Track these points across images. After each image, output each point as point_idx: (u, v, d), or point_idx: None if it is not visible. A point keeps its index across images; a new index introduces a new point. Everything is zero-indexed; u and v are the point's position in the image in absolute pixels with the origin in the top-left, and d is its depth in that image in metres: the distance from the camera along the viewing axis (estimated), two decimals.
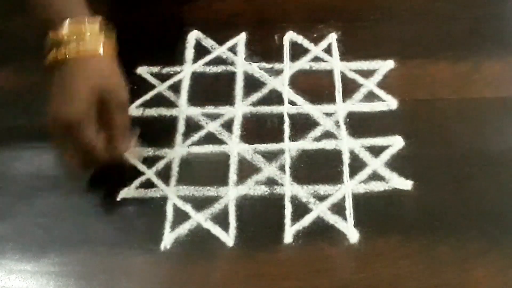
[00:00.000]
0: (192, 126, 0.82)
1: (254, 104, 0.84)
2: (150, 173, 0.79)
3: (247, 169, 0.78)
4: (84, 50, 0.73)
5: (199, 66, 0.88)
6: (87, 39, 0.73)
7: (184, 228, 0.74)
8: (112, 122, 0.74)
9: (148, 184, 0.78)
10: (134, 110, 0.84)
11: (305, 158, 0.79)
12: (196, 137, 0.81)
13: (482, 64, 0.86)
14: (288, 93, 0.85)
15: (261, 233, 0.74)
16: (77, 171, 0.77)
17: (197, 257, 0.73)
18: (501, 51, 0.87)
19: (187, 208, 0.76)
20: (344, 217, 0.74)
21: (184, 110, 0.84)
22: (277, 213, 0.75)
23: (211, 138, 0.81)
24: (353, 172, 0.77)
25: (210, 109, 0.84)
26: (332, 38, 0.90)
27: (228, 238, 0.74)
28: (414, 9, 0.92)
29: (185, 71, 0.88)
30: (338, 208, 0.75)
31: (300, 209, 0.75)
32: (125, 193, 0.78)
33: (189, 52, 0.89)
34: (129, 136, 0.77)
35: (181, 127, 0.83)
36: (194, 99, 0.85)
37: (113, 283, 0.72)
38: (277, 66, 0.87)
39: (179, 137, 0.82)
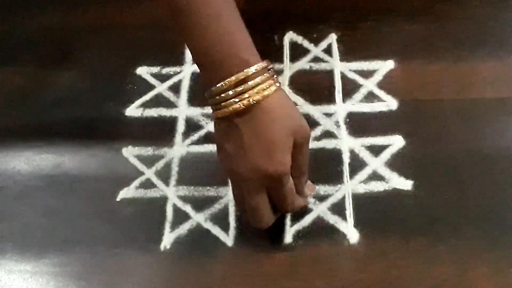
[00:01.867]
0: (192, 126, 0.82)
1: None
2: (149, 173, 0.79)
3: None
4: (267, 94, 0.65)
5: None
6: (261, 84, 0.66)
7: (184, 228, 0.74)
8: (299, 161, 0.69)
9: (148, 184, 0.78)
10: (134, 110, 0.84)
11: None
12: (195, 136, 0.82)
13: (482, 64, 0.86)
14: (288, 94, 0.84)
15: (261, 233, 0.73)
16: (259, 226, 0.71)
17: (197, 257, 0.73)
18: (501, 51, 0.87)
19: (187, 208, 0.76)
20: (344, 217, 0.74)
21: (184, 110, 0.84)
22: None
23: (211, 138, 0.81)
24: (353, 172, 0.77)
25: (210, 110, 0.83)
26: (332, 38, 0.90)
27: (228, 238, 0.74)
28: (414, 9, 0.92)
29: (185, 71, 0.88)
30: (338, 208, 0.75)
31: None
32: (124, 193, 0.78)
33: (189, 53, 0.89)
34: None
35: (180, 127, 0.83)
36: (194, 99, 0.85)
37: (113, 283, 0.72)
38: (277, 66, 0.87)
39: (178, 137, 0.82)
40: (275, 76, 0.67)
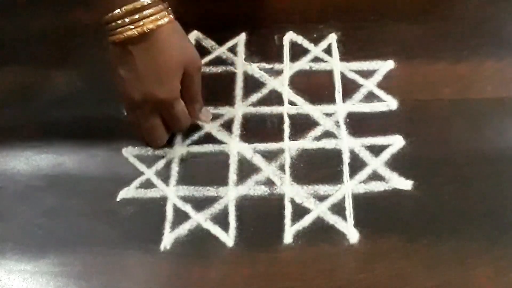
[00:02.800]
0: (192, 126, 0.82)
1: (254, 104, 0.84)
2: (149, 173, 0.79)
3: (247, 169, 0.79)
4: (160, 24, 0.72)
5: None
6: (155, 14, 0.72)
7: (184, 228, 0.74)
8: (191, 90, 0.77)
9: (148, 184, 0.78)
10: None
11: (305, 158, 0.79)
12: (195, 136, 0.81)
13: (482, 64, 0.86)
14: (288, 94, 0.85)
15: (261, 233, 0.73)
16: (154, 146, 0.80)
17: (197, 257, 0.73)
18: (501, 51, 0.87)
19: (187, 208, 0.76)
20: (344, 217, 0.74)
21: None
22: (277, 213, 0.75)
23: (210, 138, 0.81)
24: (353, 172, 0.77)
25: (210, 110, 0.84)
26: (332, 38, 0.90)
27: (228, 238, 0.74)
28: (414, 9, 0.92)
29: None
30: (338, 208, 0.75)
31: (300, 209, 0.75)
32: (124, 193, 0.78)
33: None
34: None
35: None
36: None
37: (113, 283, 0.72)
38: (277, 66, 0.87)
39: (178, 137, 0.82)
40: (169, 9, 0.74)
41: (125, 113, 0.82)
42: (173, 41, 0.74)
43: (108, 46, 0.75)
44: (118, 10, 0.71)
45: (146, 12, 0.71)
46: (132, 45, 0.72)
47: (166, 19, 0.72)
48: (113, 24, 0.71)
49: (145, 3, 0.71)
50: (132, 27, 0.71)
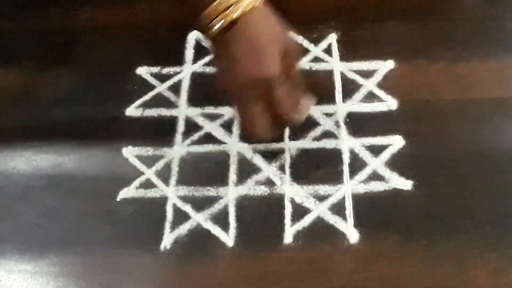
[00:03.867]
0: (192, 126, 0.82)
1: None
2: (149, 173, 0.79)
3: (247, 169, 0.78)
4: (253, 7, 0.70)
5: (199, 67, 0.88)
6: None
7: (184, 228, 0.74)
8: (291, 74, 0.73)
9: (148, 184, 0.78)
10: (134, 110, 0.84)
11: (305, 158, 0.79)
12: (195, 136, 0.81)
13: (482, 64, 0.86)
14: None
15: (261, 233, 0.73)
16: (260, 134, 0.75)
17: (197, 257, 0.73)
18: (501, 51, 0.87)
19: (187, 208, 0.76)
20: (344, 217, 0.74)
21: (184, 110, 0.84)
22: (277, 213, 0.75)
23: (210, 138, 0.81)
24: (353, 172, 0.77)
25: (210, 110, 0.84)
26: (332, 38, 0.89)
27: (228, 238, 0.74)
28: (414, 9, 0.92)
29: (185, 72, 0.88)
30: (338, 208, 0.75)
31: (300, 209, 0.75)
32: (124, 193, 0.78)
33: (189, 53, 0.89)
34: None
35: (180, 127, 0.83)
36: (194, 100, 0.85)
37: (113, 283, 0.72)
38: None
39: (178, 137, 0.82)
40: None
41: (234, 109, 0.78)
42: (267, 21, 0.72)
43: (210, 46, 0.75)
44: (216, 2, 0.70)
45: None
46: (228, 32, 0.70)
47: (258, 1, 0.71)
48: (207, 19, 0.71)
49: None
50: (224, 15, 0.69)
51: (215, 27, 0.70)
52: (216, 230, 0.74)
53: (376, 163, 0.78)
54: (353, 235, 0.73)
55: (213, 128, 0.82)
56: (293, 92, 0.74)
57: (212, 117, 0.83)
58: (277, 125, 0.75)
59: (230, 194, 0.76)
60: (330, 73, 0.86)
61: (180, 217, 0.75)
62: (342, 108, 0.83)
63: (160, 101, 0.85)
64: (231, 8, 0.69)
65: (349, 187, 0.76)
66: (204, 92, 0.83)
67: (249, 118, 0.73)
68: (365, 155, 0.78)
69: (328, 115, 0.82)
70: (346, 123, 0.81)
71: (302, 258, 0.72)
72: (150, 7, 0.95)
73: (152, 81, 0.87)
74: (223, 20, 0.70)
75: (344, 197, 0.75)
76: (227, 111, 0.83)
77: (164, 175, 0.79)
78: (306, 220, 0.74)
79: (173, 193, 0.77)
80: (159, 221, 0.75)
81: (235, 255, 0.73)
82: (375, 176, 0.77)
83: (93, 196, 0.78)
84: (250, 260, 0.72)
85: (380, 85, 0.84)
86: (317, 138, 0.80)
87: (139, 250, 0.73)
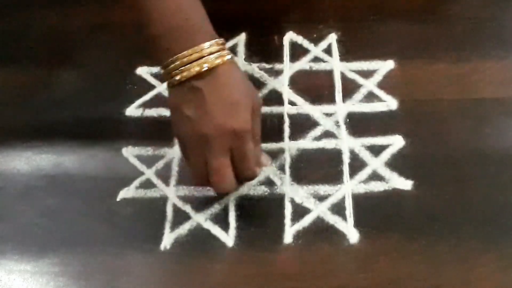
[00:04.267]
0: None
1: None
2: (149, 173, 0.79)
3: None
4: (226, 59, 0.70)
5: None
6: (219, 51, 0.71)
7: (184, 228, 0.74)
8: (256, 132, 0.73)
9: (148, 184, 0.78)
10: (134, 110, 0.84)
11: (305, 158, 0.79)
12: None
13: (482, 64, 0.86)
14: (288, 94, 0.85)
15: (261, 233, 0.73)
16: (221, 188, 0.73)
17: (197, 257, 0.73)
18: (501, 51, 0.87)
19: (187, 208, 0.76)
20: (344, 217, 0.74)
21: None
22: (277, 213, 0.75)
23: None
24: (353, 172, 0.77)
25: None
26: (332, 38, 0.89)
27: (228, 238, 0.73)
28: (414, 9, 0.92)
29: None
30: (338, 208, 0.75)
31: (300, 209, 0.75)
32: (124, 193, 0.78)
33: None
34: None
35: None
36: None
37: (113, 283, 0.72)
38: (277, 66, 0.87)
39: None
40: (226, 45, 0.73)
41: (185, 160, 0.76)
42: (239, 76, 0.73)
43: (168, 92, 0.73)
44: (188, 51, 0.69)
45: (209, 50, 0.70)
46: (200, 80, 0.69)
47: (229, 56, 0.71)
48: (177, 63, 0.70)
49: (206, 46, 0.70)
50: (199, 63, 0.69)
51: (192, 69, 0.69)
52: (216, 230, 0.74)
53: (376, 163, 0.78)
54: (353, 235, 0.72)
55: None
56: (257, 147, 0.75)
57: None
58: (238, 180, 0.74)
59: (230, 194, 0.76)
60: (330, 73, 0.86)
61: (180, 217, 0.75)
62: (342, 108, 0.83)
63: (160, 101, 0.85)
64: (211, 54, 0.70)
65: (349, 187, 0.76)
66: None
67: (214, 170, 0.71)
68: (365, 155, 0.78)
69: (328, 115, 0.82)
70: (346, 123, 0.81)
71: (302, 258, 0.72)
72: None
73: (152, 81, 0.87)
74: (203, 64, 0.69)
75: (344, 197, 0.75)
76: None
77: (164, 175, 0.79)
78: (306, 220, 0.74)
79: (173, 193, 0.77)
80: (159, 221, 0.75)
81: (235, 255, 0.72)
82: (375, 176, 0.77)
83: (93, 196, 0.78)
84: (250, 260, 0.72)
85: (380, 85, 0.84)
86: (317, 138, 0.80)
87: (139, 250, 0.73)
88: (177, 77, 0.70)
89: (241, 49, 0.90)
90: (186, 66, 0.69)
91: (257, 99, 0.74)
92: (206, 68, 0.69)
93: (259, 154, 0.76)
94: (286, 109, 0.83)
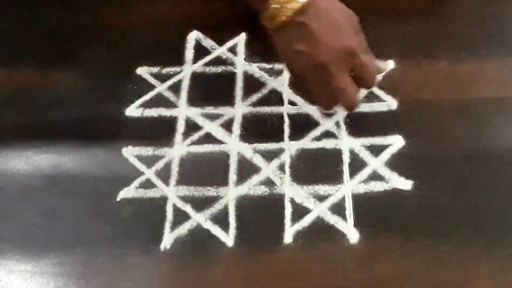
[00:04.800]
0: (192, 126, 0.82)
1: (254, 104, 0.84)
2: (149, 173, 0.79)
3: (247, 169, 0.79)
4: None
5: (199, 67, 0.88)
6: None
7: (184, 228, 0.74)
8: (366, 48, 0.77)
9: (148, 184, 0.78)
10: (134, 110, 0.84)
11: (305, 158, 0.79)
12: (195, 136, 0.81)
13: (482, 64, 0.86)
14: (288, 93, 0.85)
15: (261, 233, 0.73)
16: (353, 103, 0.76)
17: (197, 257, 0.73)
18: (501, 51, 0.87)
19: (187, 208, 0.76)
20: (344, 217, 0.74)
21: (184, 110, 0.84)
22: (277, 213, 0.75)
23: (210, 138, 0.81)
24: (353, 172, 0.77)
25: (210, 110, 0.84)
26: None
27: (228, 238, 0.74)
28: (414, 9, 0.92)
29: (185, 72, 0.88)
30: (338, 208, 0.75)
31: (300, 209, 0.75)
32: (124, 193, 0.78)
33: (189, 52, 0.89)
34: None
35: (180, 127, 0.83)
36: (194, 100, 0.85)
37: (113, 283, 0.72)
38: (277, 66, 0.87)
39: (178, 137, 0.82)
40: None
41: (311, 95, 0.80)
42: (334, 2, 0.76)
43: (274, 38, 0.76)
44: None
45: None
46: (302, 16, 0.73)
47: None
48: (276, 6, 0.73)
49: None
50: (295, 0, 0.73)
51: (293, 5, 0.72)
52: (216, 230, 0.74)
53: (376, 163, 0.78)
54: (353, 235, 0.73)
55: (213, 128, 0.82)
56: (369, 56, 0.77)
57: (212, 117, 0.83)
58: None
59: (230, 194, 0.76)
60: None
61: (180, 217, 0.75)
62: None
63: (160, 101, 0.85)
64: None
65: (349, 187, 0.76)
66: (204, 92, 0.83)
67: (340, 90, 0.74)
68: (365, 155, 0.78)
69: (328, 115, 0.82)
70: (346, 123, 0.81)
71: (302, 258, 0.72)
72: (150, 7, 0.95)
73: (152, 81, 0.87)
74: (291, 9, 0.73)
75: (344, 197, 0.75)
76: (227, 111, 0.83)
77: (164, 175, 0.79)
78: (306, 220, 0.74)
79: (173, 193, 0.77)
80: (159, 221, 0.75)
81: (235, 255, 0.73)
82: (375, 176, 0.77)
83: (93, 196, 0.78)
84: (250, 260, 0.72)
85: (380, 85, 0.84)
86: (317, 138, 0.80)
87: (139, 250, 0.73)
88: (282, 18, 0.73)
89: (241, 49, 0.89)
90: (286, 5, 0.73)
91: (353, 15, 0.76)
92: (306, 1, 0.72)
93: (373, 61, 0.78)
94: (286, 109, 0.83)
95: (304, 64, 0.74)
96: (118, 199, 0.77)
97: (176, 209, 0.76)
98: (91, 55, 0.90)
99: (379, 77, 0.81)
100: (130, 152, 0.81)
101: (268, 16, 0.74)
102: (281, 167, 0.78)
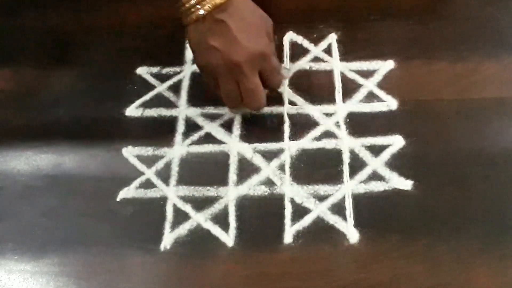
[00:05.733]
0: (192, 126, 0.82)
1: None
2: (149, 173, 0.79)
3: (247, 169, 0.79)
4: None
5: None
6: None
7: (184, 228, 0.75)
8: (274, 49, 0.80)
9: (148, 184, 0.78)
10: (134, 110, 0.85)
11: (305, 158, 0.79)
12: (195, 136, 0.82)
13: (482, 64, 0.86)
14: (288, 93, 0.85)
15: (261, 233, 0.74)
16: (257, 106, 0.80)
17: (196, 257, 0.73)
18: (501, 51, 0.87)
19: (187, 208, 0.76)
20: (344, 217, 0.74)
21: (184, 110, 0.84)
22: (277, 213, 0.75)
23: (210, 138, 0.81)
24: (353, 172, 0.77)
25: (210, 110, 0.84)
26: (332, 38, 0.90)
27: (228, 238, 0.74)
28: (414, 9, 0.92)
29: (185, 71, 0.88)
30: (338, 208, 0.75)
31: (300, 209, 0.75)
32: (124, 193, 0.78)
33: (189, 53, 0.89)
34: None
35: (180, 127, 0.83)
36: (194, 100, 0.85)
37: (113, 283, 0.72)
38: None
39: (178, 137, 0.82)
40: None
41: (217, 90, 0.80)
42: (252, 3, 0.79)
43: (188, 29, 0.77)
44: None
45: None
46: (222, 13, 0.74)
47: None
48: (193, 2, 0.74)
49: None
50: None
51: (212, 2, 0.74)
52: (216, 230, 0.74)
53: (376, 163, 0.78)
54: (353, 235, 0.73)
55: (213, 128, 0.82)
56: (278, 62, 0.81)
57: (212, 117, 0.83)
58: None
59: (230, 194, 0.77)
60: (330, 73, 0.86)
61: (180, 217, 0.75)
62: (342, 108, 0.83)
63: (160, 101, 0.86)
64: None
65: (349, 187, 0.76)
66: (204, 92, 0.83)
67: (249, 91, 0.78)
68: (365, 155, 0.79)
69: (328, 115, 0.82)
70: (346, 123, 0.81)
71: (302, 258, 0.72)
72: (150, 7, 0.95)
73: (152, 81, 0.87)
74: (211, 3, 0.74)
75: (344, 197, 0.75)
76: (227, 111, 0.83)
77: (164, 175, 0.79)
78: (306, 220, 0.74)
79: (173, 193, 0.77)
80: (159, 221, 0.75)
81: (235, 255, 0.73)
82: (375, 176, 0.77)
83: (93, 196, 0.78)
84: (250, 260, 0.72)
85: (380, 85, 0.84)
86: (317, 138, 0.80)
87: (139, 250, 0.73)
88: (201, 12, 0.74)
89: None
90: (204, 2, 0.74)
91: (268, 19, 0.80)
92: (219, 3, 0.74)
93: (280, 65, 0.83)
94: (286, 109, 0.83)
95: (217, 61, 0.76)
96: (118, 199, 0.77)
97: (176, 209, 0.76)
98: (91, 55, 0.91)
99: (286, 81, 0.85)
100: (130, 152, 0.81)
101: (187, 8, 0.75)
102: (281, 167, 0.78)
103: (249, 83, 0.77)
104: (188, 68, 0.88)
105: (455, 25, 0.90)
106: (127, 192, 0.78)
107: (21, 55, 0.92)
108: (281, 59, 0.88)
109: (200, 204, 0.76)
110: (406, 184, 0.76)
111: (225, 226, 0.74)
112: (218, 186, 0.77)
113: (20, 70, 0.90)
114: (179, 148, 0.81)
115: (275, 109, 0.83)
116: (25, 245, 0.75)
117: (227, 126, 0.82)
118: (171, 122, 0.83)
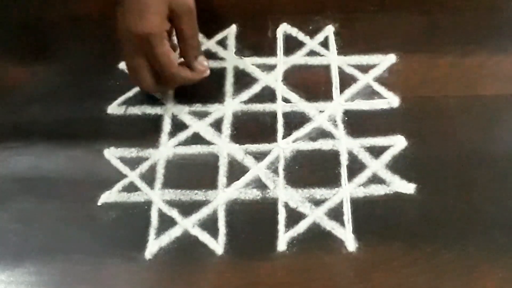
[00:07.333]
0: (179, 125, 0.82)
1: (246, 101, 0.84)
2: (133, 176, 0.79)
3: (237, 171, 0.79)
4: None
5: None
6: None
7: (170, 235, 0.74)
8: (183, 34, 0.80)
9: (131, 188, 0.78)
10: (117, 107, 0.84)
11: (300, 160, 0.79)
12: (182, 136, 0.82)
13: (491, 59, 0.86)
14: (282, 90, 0.85)
15: (252, 240, 0.74)
16: (141, 86, 0.83)
17: (184, 266, 0.73)
18: (510, 44, 0.87)
19: (173, 213, 0.76)
20: (342, 223, 0.74)
21: (169, 108, 0.84)
22: (270, 218, 0.75)
23: (198, 138, 0.81)
24: (352, 174, 0.77)
25: (197, 107, 0.84)
26: (329, 30, 0.90)
27: (217, 245, 0.74)
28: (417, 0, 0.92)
29: None
30: (336, 214, 0.75)
31: (295, 215, 0.75)
32: (106, 197, 0.78)
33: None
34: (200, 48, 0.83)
35: (166, 126, 0.83)
36: (180, 96, 0.85)
37: None
38: (270, 60, 0.88)
39: (164, 137, 0.82)
40: None
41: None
42: None
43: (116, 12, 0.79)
44: None
45: None
46: None
47: None
48: None
49: None
50: None
51: None
52: (204, 237, 0.74)
53: (376, 165, 0.78)
54: (351, 242, 0.73)
55: (202, 127, 0.82)
56: (184, 51, 0.81)
57: (200, 115, 0.83)
58: (163, 82, 0.81)
59: (220, 198, 0.76)
60: (326, 68, 0.86)
61: (166, 222, 0.75)
62: (339, 105, 0.83)
63: (144, 98, 0.85)
64: None
65: (348, 191, 0.76)
66: (191, 88, 0.83)
67: (130, 69, 0.81)
68: (364, 156, 0.79)
69: (325, 113, 0.82)
70: (344, 122, 0.81)
71: (296, 267, 0.72)
72: None
73: None
74: None
75: (342, 202, 0.75)
76: (216, 109, 0.83)
77: (148, 178, 0.79)
78: (301, 226, 0.74)
79: (158, 197, 0.77)
80: (143, 227, 0.75)
81: (224, 263, 0.73)
82: (375, 179, 0.77)
83: (73, 200, 0.78)
84: (241, 269, 0.72)
85: (381, 81, 0.85)
86: (313, 138, 0.80)
87: (122, 258, 0.73)
88: None
89: (231, 42, 0.90)
90: None
91: (180, 2, 0.78)
92: None
93: (191, 60, 0.81)
94: (280, 107, 0.83)
95: (118, 36, 0.79)
96: (99, 204, 0.77)
97: (162, 214, 0.76)
98: (70, 49, 0.91)
99: (196, 76, 0.83)
100: (112, 154, 0.81)
101: None
102: (275, 170, 0.78)
103: (129, 62, 0.81)
104: None
105: (461, 16, 0.90)
106: (109, 196, 0.78)
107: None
108: (274, 53, 0.88)
109: (187, 209, 0.76)
110: (408, 188, 0.76)
111: (214, 233, 0.74)
112: (207, 190, 0.77)
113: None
114: (165, 149, 0.81)
115: (268, 107, 0.83)
116: None
117: (217, 125, 0.82)
118: (156, 121, 0.83)
